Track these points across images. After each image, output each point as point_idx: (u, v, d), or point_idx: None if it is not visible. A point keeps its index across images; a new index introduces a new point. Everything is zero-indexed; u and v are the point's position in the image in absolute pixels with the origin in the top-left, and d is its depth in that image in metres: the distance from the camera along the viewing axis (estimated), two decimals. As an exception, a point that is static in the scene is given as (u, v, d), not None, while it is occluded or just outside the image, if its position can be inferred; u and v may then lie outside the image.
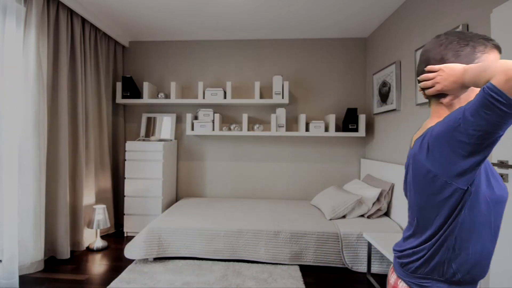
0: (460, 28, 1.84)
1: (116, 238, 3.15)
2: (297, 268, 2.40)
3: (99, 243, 2.85)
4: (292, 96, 3.57)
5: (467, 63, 0.72)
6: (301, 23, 3.12)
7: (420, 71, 0.81)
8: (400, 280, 0.81)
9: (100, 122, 3.18)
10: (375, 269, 2.34)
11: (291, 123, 3.57)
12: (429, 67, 0.77)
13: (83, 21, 2.89)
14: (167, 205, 3.34)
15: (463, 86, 0.70)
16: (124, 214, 3.20)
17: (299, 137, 3.55)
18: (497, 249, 1.36)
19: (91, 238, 2.99)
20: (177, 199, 3.66)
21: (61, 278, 2.25)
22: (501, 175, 1.41)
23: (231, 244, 2.48)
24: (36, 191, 2.30)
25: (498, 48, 0.74)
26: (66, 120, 2.59)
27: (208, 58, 3.65)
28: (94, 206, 2.87)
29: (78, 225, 2.79)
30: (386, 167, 2.79)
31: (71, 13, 2.72)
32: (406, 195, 0.86)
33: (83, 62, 2.89)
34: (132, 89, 3.40)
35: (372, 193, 2.71)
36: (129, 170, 3.18)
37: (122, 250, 2.78)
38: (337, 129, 3.47)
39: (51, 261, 2.52)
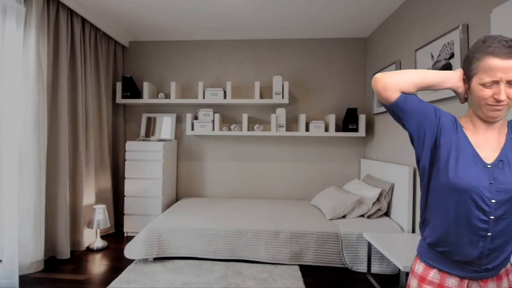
0: (460, 28, 1.84)
1: (116, 238, 3.15)
2: (297, 268, 2.40)
3: (99, 243, 2.85)
4: (292, 96, 3.57)
5: None
6: (301, 23, 3.12)
7: None
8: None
9: (100, 122, 3.18)
10: (375, 269, 2.34)
11: (291, 123, 3.57)
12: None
13: (83, 21, 2.89)
14: (167, 205, 3.34)
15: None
16: (124, 214, 3.20)
17: (299, 137, 3.55)
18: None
19: (91, 238, 2.99)
20: (177, 199, 3.66)
21: (61, 278, 2.25)
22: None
23: (231, 244, 2.48)
24: (36, 191, 2.30)
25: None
26: (66, 120, 2.59)
27: (208, 58, 3.65)
28: (94, 206, 2.87)
29: (78, 225, 2.79)
30: (386, 167, 2.79)
31: (71, 13, 2.72)
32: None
33: (83, 62, 2.89)
34: (132, 89, 3.40)
35: (372, 193, 2.71)
36: (129, 170, 3.18)
37: (122, 250, 2.78)
38: (337, 129, 3.47)
39: (51, 261, 2.52)
